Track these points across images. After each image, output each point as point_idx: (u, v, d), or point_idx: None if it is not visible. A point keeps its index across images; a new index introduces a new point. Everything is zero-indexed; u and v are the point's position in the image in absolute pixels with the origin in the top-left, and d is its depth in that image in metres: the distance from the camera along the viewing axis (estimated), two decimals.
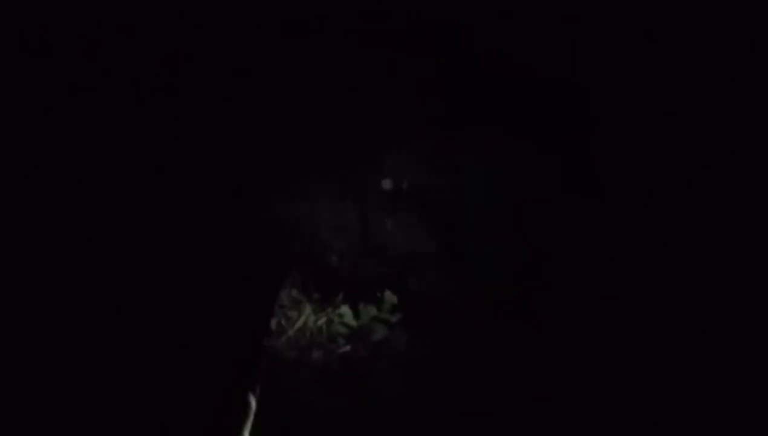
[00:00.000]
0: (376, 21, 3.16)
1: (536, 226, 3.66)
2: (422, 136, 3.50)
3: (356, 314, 3.85)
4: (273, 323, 3.57)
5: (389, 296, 3.84)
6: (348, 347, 3.81)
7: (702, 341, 3.44)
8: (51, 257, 2.96)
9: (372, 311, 3.85)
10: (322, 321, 3.81)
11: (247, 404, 3.02)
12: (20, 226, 2.94)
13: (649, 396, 3.50)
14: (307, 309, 3.80)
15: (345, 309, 3.85)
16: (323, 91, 3.25)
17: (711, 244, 3.44)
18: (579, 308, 3.63)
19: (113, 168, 3.04)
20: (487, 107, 3.45)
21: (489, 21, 3.25)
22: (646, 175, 3.48)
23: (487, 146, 3.54)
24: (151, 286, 2.92)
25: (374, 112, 3.35)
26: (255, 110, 3.18)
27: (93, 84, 2.95)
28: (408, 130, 3.45)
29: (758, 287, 3.39)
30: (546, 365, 3.58)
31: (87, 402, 2.80)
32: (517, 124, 3.49)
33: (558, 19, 3.25)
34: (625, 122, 3.44)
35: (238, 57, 3.09)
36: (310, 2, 3.09)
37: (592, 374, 3.58)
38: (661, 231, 3.49)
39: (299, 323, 3.77)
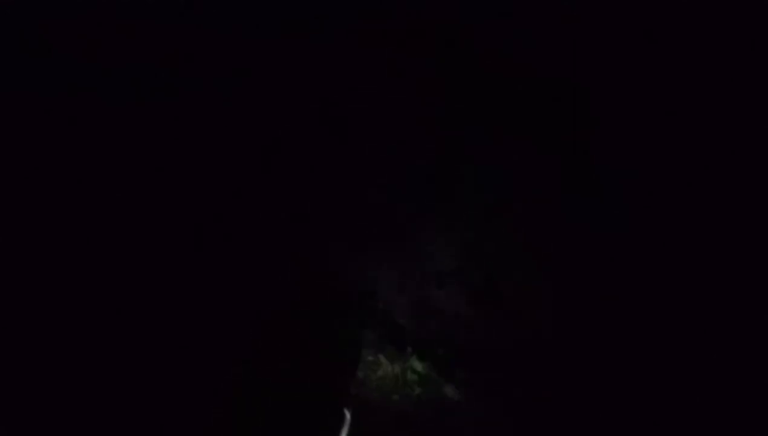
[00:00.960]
0: (376, 21, 3.16)
1: (536, 226, 3.66)
2: (422, 137, 3.50)
3: (423, 364, 4.41)
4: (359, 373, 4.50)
5: (447, 351, 4.35)
6: (421, 391, 4.50)
7: (702, 339, 3.44)
8: (51, 257, 2.96)
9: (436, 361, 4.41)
10: (398, 370, 4.48)
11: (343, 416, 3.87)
12: (21, 225, 2.94)
13: (650, 395, 3.50)
14: (384, 360, 4.46)
15: (414, 360, 4.41)
16: (323, 91, 3.25)
17: (711, 244, 3.44)
18: (579, 308, 3.63)
19: (113, 168, 3.04)
20: (487, 107, 3.45)
21: (489, 21, 3.25)
22: (646, 175, 3.47)
23: (487, 146, 3.54)
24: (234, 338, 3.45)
25: (374, 113, 3.36)
26: (255, 111, 3.18)
27: (93, 84, 2.95)
28: (408, 130, 3.45)
29: (758, 286, 3.39)
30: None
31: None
32: (517, 124, 3.49)
33: (558, 19, 3.25)
34: (625, 122, 3.44)
35: (238, 57, 3.09)
36: (310, 2, 3.09)
37: (594, 376, 3.58)
38: (661, 231, 3.50)
39: (380, 372, 4.51)
